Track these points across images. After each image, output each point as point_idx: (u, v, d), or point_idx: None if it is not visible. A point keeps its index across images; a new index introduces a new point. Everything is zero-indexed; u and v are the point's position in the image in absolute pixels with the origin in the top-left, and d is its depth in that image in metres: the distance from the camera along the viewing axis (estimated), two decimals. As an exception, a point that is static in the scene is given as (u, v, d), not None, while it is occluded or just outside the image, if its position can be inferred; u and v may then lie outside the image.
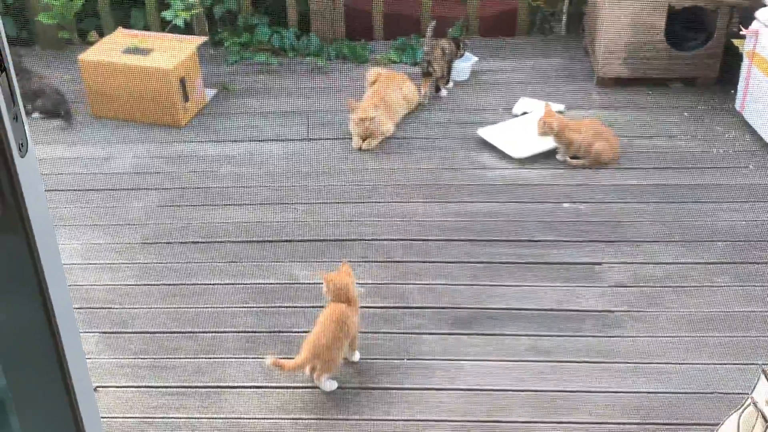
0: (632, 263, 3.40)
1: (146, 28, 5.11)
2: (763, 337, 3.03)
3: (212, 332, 3.12)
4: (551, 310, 3.17)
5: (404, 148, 4.28)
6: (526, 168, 4.07)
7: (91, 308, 3.23)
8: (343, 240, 3.60)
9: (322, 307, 2.90)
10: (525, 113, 4.47)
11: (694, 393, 2.80)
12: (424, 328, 3.11)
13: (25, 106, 1.01)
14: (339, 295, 2.84)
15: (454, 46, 4.73)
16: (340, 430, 2.71)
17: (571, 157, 4.09)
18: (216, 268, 3.45)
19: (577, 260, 3.43)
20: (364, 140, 4.26)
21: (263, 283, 3.36)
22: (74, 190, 4.00)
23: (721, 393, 2.77)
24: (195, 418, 2.76)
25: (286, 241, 3.61)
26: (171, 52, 4.52)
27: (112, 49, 4.60)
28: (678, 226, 3.62)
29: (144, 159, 4.25)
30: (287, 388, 2.85)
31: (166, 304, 3.26)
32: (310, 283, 3.28)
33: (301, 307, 3.21)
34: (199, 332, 3.12)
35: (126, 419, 2.77)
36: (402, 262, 3.46)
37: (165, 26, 5.05)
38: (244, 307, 3.23)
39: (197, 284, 3.36)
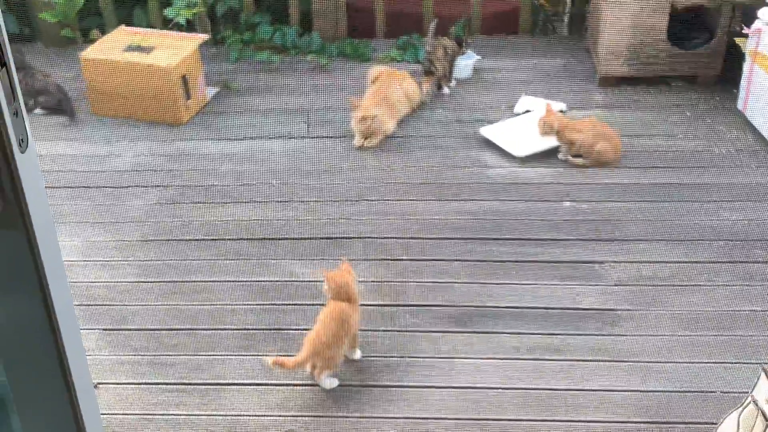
0: (633, 262, 3.40)
1: (149, 26, 5.11)
2: (763, 336, 3.02)
3: (212, 329, 3.12)
4: (552, 308, 3.17)
5: (405, 146, 4.28)
6: (527, 166, 4.07)
7: (91, 305, 3.24)
8: (343, 238, 3.60)
9: (322, 304, 2.90)
10: (527, 111, 4.47)
11: (694, 391, 2.79)
12: (424, 326, 3.11)
13: (27, 103, 1.01)
14: (339, 293, 2.84)
15: (456, 44, 4.73)
16: (340, 427, 2.71)
17: (573, 156, 4.08)
18: (216, 266, 3.45)
19: (577, 259, 3.43)
20: (365, 138, 4.26)
21: (263, 281, 3.36)
22: (75, 186, 4.00)
23: (721, 392, 2.77)
24: (195, 414, 2.76)
25: (287, 238, 3.61)
26: (173, 50, 4.52)
27: (113, 47, 4.60)
28: (679, 225, 3.62)
29: (145, 156, 4.25)
30: (287, 385, 2.86)
31: (166, 302, 3.26)
32: (310, 281, 3.28)
33: (301, 304, 3.21)
34: (199, 329, 3.12)
35: (126, 416, 2.77)
36: (402, 260, 3.47)
37: (167, 24, 5.05)
38: (244, 305, 3.24)
39: (197, 281, 3.36)
